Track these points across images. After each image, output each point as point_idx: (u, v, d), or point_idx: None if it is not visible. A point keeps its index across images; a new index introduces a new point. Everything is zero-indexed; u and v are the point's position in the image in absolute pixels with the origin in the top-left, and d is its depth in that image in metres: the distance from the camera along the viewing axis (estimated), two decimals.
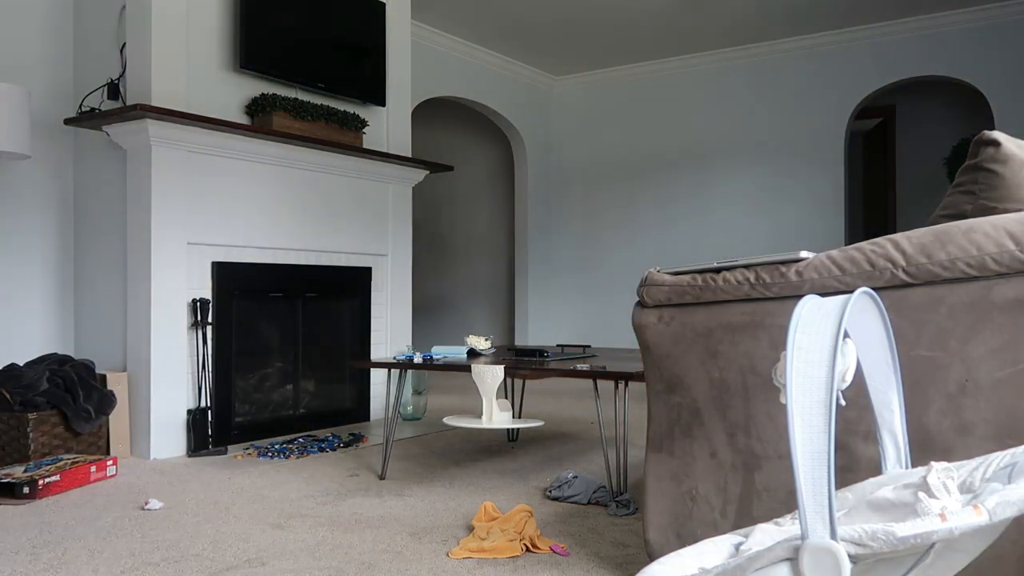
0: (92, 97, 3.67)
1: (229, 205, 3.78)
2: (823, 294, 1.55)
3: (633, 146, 7.03)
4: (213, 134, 3.64)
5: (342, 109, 4.23)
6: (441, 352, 3.24)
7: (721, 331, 1.73)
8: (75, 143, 3.84)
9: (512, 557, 2.09)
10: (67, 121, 3.61)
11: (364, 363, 3.30)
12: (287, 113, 3.91)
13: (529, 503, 2.66)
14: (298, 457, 3.46)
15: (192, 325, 3.62)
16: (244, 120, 3.89)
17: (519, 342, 7.23)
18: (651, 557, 1.83)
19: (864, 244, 1.57)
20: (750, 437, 1.69)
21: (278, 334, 4.00)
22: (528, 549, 2.14)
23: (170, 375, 3.53)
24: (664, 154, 6.87)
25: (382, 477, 3.05)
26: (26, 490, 2.71)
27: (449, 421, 2.88)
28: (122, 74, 3.61)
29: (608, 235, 7.18)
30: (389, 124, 4.72)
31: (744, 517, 1.69)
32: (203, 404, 3.63)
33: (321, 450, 3.58)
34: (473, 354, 3.28)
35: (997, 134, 1.65)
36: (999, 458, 0.99)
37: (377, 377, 4.51)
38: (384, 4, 4.58)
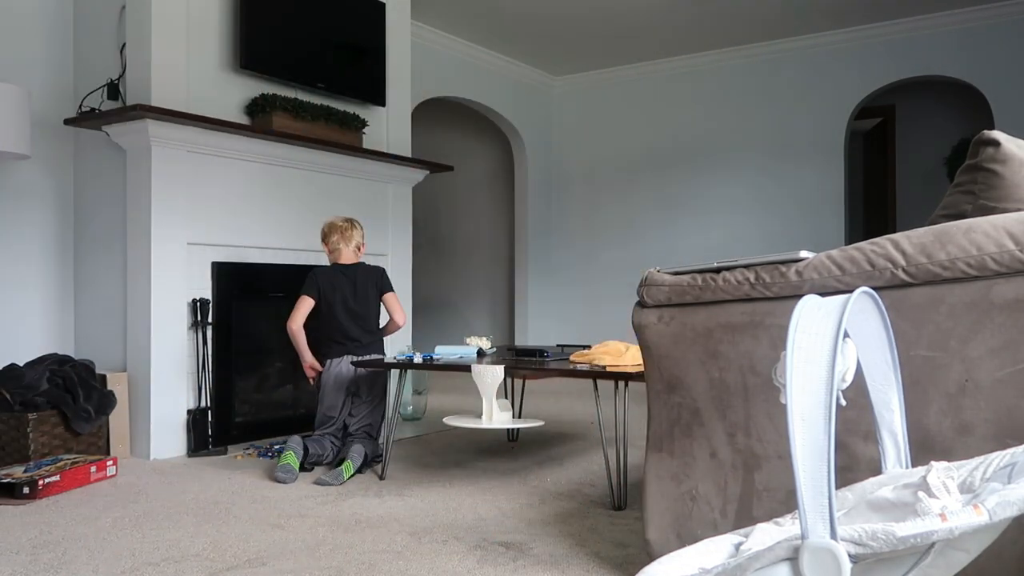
0: (92, 97, 3.67)
1: (229, 205, 3.77)
2: (823, 294, 1.54)
3: (633, 146, 7.03)
4: (213, 134, 3.64)
5: (342, 109, 4.23)
6: (448, 351, 3.22)
7: (721, 331, 1.73)
8: (75, 143, 3.84)
9: (512, 556, 2.10)
10: (67, 121, 3.61)
11: (364, 363, 3.30)
12: (287, 113, 3.91)
13: (529, 503, 2.66)
14: None
15: (192, 325, 3.62)
16: (244, 120, 3.89)
17: (519, 342, 7.23)
18: (651, 557, 1.83)
19: (864, 244, 1.57)
20: (750, 437, 1.69)
21: (278, 334, 3.99)
22: None
23: (170, 375, 3.53)
24: (664, 154, 6.86)
25: (382, 477, 3.05)
26: (26, 490, 2.71)
27: (449, 421, 2.88)
28: (122, 74, 3.61)
29: (608, 235, 7.18)
30: (389, 124, 4.72)
31: (744, 517, 1.69)
32: (203, 404, 3.63)
33: None
34: (481, 354, 3.28)
35: (997, 134, 1.65)
36: (999, 458, 0.99)
37: None
38: (384, 4, 4.57)
